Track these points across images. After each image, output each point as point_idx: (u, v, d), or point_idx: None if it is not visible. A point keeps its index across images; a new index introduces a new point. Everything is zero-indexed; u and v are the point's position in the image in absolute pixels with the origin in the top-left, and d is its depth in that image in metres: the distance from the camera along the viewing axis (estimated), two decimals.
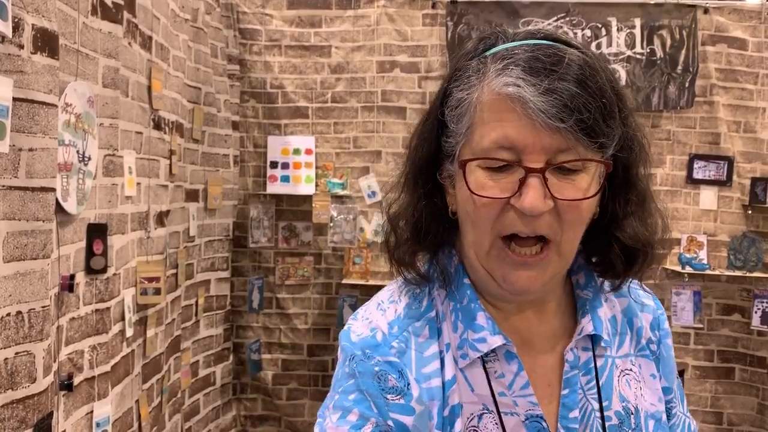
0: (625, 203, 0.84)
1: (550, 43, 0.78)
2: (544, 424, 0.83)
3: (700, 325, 3.85)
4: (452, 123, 0.81)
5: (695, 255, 3.83)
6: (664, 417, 0.91)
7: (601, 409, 0.85)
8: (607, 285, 0.91)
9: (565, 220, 0.77)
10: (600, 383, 0.86)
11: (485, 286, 0.86)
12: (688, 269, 3.77)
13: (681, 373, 3.86)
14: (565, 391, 0.85)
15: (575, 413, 0.84)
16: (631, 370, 0.90)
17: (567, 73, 0.74)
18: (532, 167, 0.74)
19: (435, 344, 0.86)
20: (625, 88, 3.88)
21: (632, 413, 0.87)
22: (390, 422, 0.80)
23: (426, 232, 0.87)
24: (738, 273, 3.77)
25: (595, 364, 0.87)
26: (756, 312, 3.67)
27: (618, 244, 0.85)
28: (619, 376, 0.89)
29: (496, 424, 0.83)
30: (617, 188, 0.83)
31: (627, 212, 0.84)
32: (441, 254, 0.90)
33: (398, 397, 0.81)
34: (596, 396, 0.86)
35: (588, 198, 0.77)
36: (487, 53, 0.80)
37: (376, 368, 0.82)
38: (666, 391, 0.93)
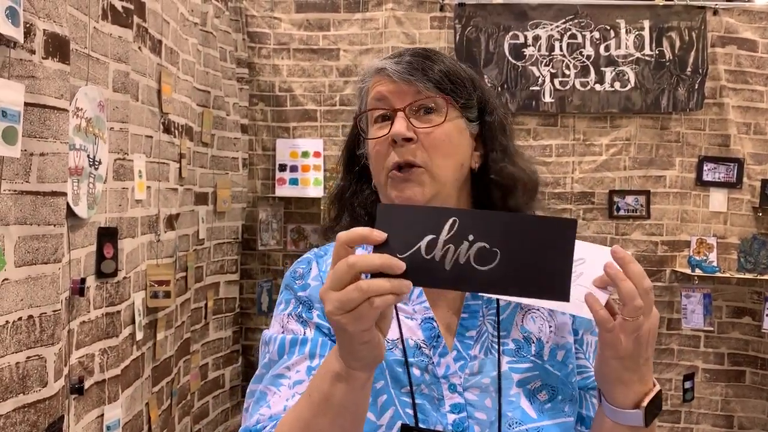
0: (496, 159, 1.11)
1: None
2: (435, 324, 1.04)
3: (711, 328, 3.83)
4: (361, 117, 1.14)
5: (705, 257, 3.81)
6: (575, 348, 1.09)
7: (499, 337, 1.05)
8: None
9: (427, 147, 1.04)
10: (500, 317, 1.07)
11: None
12: (698, 272, 3.75)
13: (691, 377, 3.84)
14: (464, 315, 1.06)
15: (472, 333, 1.05)
16: (538, 309, 1.09)
17: (415, 53, 1.09)
18: (396, 108, 1.05)
19: None
20: (634, 90, 3.88)
21: (533, 342, 1.06)
22: (300, 293, 1.10)
23: (356, 199, 1.17)
24: (748, 275, 3.74)
25: (498, 302, 1.08)
26: (767, 315, 3.64)
27: (499, 187, 1.10)
28: (524, 314, 1.08)
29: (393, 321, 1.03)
30: (490, 148, 1.11)
31: (500, 163, 1.11)
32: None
33: (301, 280, 1.12)
34: (495, 326, 1.06)
35: (435, 126, 1.04)
36: None
37: (298, 271, 1.14)
38: (575, 332, 1.10)
